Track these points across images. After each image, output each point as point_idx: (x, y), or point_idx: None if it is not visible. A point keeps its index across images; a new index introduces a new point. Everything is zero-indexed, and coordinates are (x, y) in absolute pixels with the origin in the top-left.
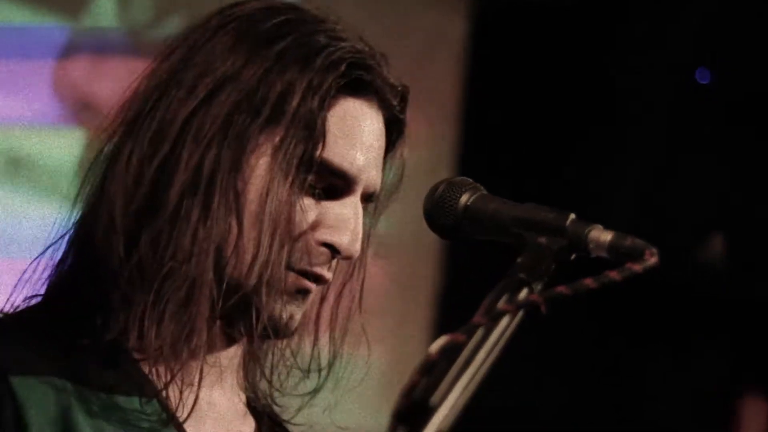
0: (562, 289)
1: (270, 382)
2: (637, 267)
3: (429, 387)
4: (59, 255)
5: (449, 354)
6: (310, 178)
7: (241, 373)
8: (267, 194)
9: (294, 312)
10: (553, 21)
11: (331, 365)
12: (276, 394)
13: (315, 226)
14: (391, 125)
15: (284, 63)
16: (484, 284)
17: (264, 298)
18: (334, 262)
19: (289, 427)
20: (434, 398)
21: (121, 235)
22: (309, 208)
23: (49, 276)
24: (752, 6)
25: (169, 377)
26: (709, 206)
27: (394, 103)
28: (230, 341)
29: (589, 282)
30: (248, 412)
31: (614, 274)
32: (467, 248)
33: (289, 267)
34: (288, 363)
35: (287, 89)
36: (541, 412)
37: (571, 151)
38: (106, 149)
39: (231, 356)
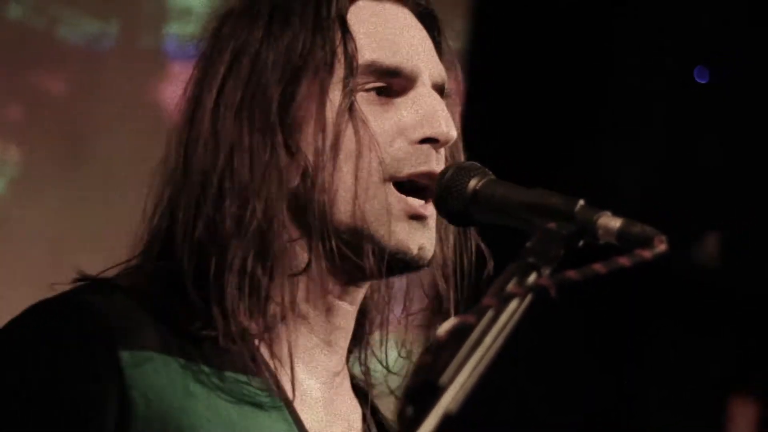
0: (571, 273)
1: (382, 362)
2: (647, 254)
3: (438, 368)
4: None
5: (459, 335)
6: (369, 84)
7: (348, 351)
8: (325, 118)
9: (423, 242)
10: (554, 14)
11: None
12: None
13: (403, 128)
14: (424, 20)
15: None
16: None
17: (377, 227)
18: (439, 154)
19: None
20: (443, 379)
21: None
22: (384, 113)
23: (145, 249)
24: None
25: (273, 353)
26: (709, 201)
27: None
28: (343, 310)
29: (598, 267)
30: (354, 396)
31: (624, 260)
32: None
33: (395, 180)
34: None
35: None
36: (533, 405)
37: (573, 146)
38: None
39: (342, 331)
